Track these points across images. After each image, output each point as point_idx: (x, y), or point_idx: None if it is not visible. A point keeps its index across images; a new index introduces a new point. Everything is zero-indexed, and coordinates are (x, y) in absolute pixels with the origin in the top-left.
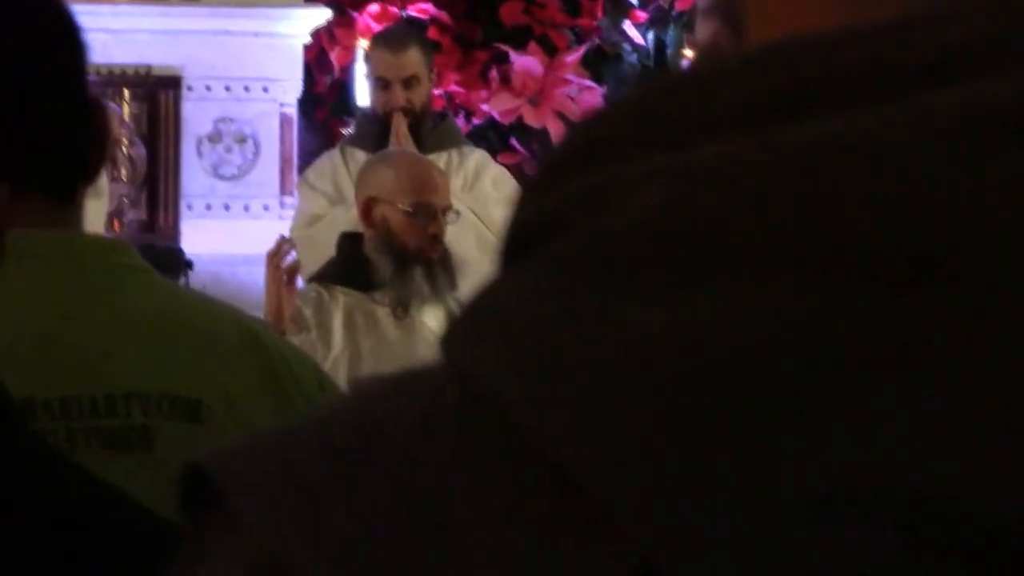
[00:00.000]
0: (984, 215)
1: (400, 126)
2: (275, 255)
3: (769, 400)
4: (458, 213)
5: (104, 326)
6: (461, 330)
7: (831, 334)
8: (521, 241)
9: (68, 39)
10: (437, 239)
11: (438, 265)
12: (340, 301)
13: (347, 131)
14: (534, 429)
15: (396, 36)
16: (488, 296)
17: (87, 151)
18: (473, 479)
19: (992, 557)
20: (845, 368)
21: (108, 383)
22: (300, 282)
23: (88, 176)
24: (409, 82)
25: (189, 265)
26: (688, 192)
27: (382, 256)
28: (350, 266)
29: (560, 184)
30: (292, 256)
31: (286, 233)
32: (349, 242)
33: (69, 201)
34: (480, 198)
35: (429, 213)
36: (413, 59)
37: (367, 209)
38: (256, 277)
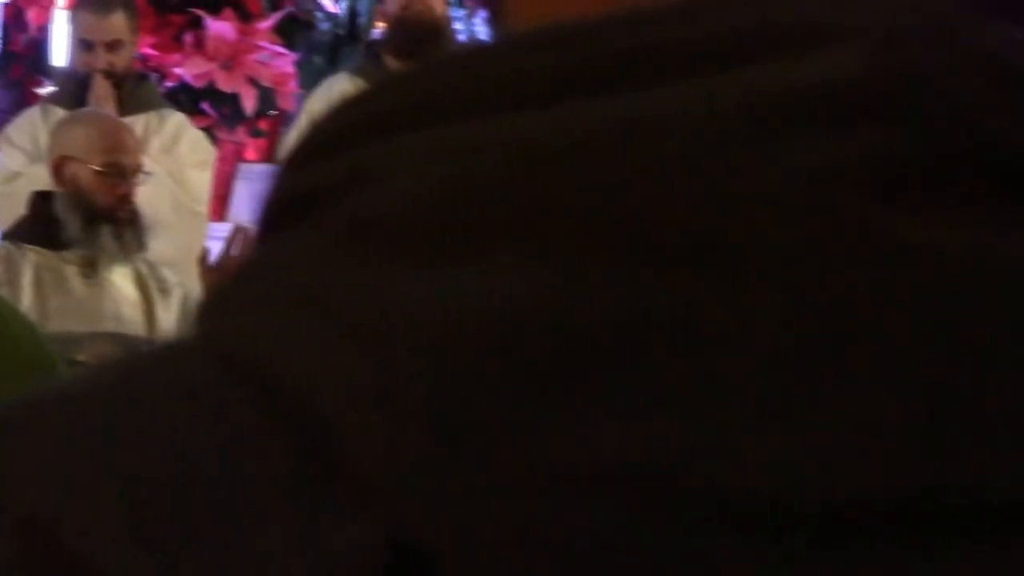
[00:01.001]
0: (747, 203)
1: (100, 88)
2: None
3: (526, 378)
4: (148, 173)
5: None
6: (220, 303)
7: (587, 314)
8: (287, 213)
9: None
10: (127, 199)
11: (127, 225)
12: (30, 259)
13: (42, 90)
14: (297, 399)
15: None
16: (249, 270)
17: None
18: (235, 452)
19: (726, 534)
20: (601, 348)
21: None
22: None
23: None
24: (113, 45)
25: None
26: (457, 170)
27: (71, 214)
28: (41, 224)
29: (329, 157)
30: None
31: None
32: (41, 200)
33: None
34: (177, 161)
35: (120, 173)
36: (118, 23)
37: (59, 167)
38: None
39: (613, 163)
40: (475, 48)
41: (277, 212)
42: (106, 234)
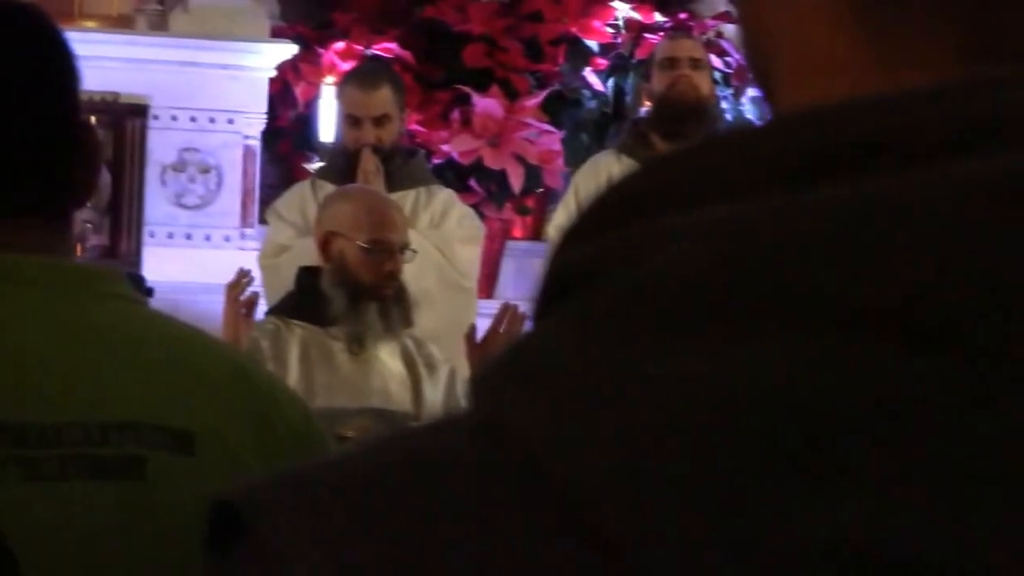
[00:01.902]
0: (1002, 286)
1: (368, 163)
2: (234, 287)
3: (785, 458)
4: (415, 251)
5: (96, 355)
6: (494, 378)
7: (847, 394)
8: (558, 288)
9: (61, 62)
10: (393, 276)
11: (392, 301)
12: (296, 334)
13: (308, 165)
14: (560, 481)
15: (369, 75)
16: (523, 345)
17: (79, 175)
18: (494, 528)
19: None
20: (857, 428)
21: (102, 412)
22: (262, 314)
23: (80, 200)
24: (380, 120)
25: (150, 292)
26: (717, 249)
27: (337, 290)
28: (307, 299)
29: (598, 234)
30: (251, 289)
31: (246, 264)
32: (307, 275)
33: (61, 226)
34: (445, 236)
35: (386, 250)
36: (385, 98)
37: (325, 243)
38: (215, 306)
39: (874, 247)
40: (737, 129)
41: (549, 290)
42: (372, 311)
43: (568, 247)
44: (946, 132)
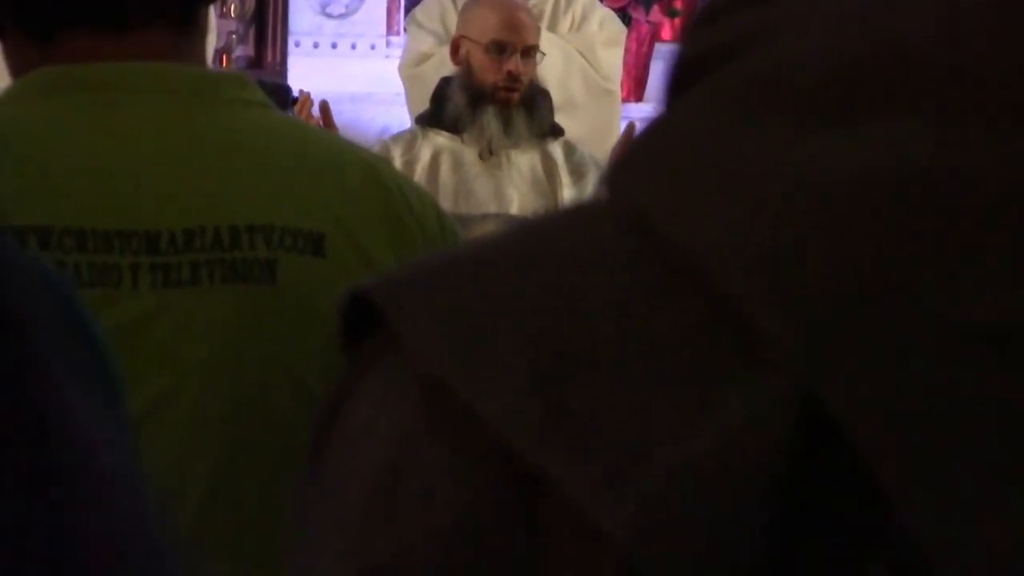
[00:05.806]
0: None
1: None
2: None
3: (940, 236)
4: (543, 54)
5: (226, 160)
6: (626, 166)
7: (1011, 175)
8: (688, 74)
9: None
10: (514, 77)
11: (519, 105)
12: (431, 142)
13: None
14: (700, 260)
15: None
16: (653, 132)
17: None
18: (636, 307)
19: None
20: (1004, 207)
21: (232, 216)
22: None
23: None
24: None
25: (295, 102)
26: (854, 35)
27: (460, 93)
28: (441, 107)
29: (727, 17)
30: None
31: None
32: (446, 84)
33: (189, 31)
34: (587, 40)
35: (505, 49)
36: None
37: (455, 48)
38: (361, 115)
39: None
40: None
41: (679, 75)
42: (490, 114)
43: (697, 34)
44: None
